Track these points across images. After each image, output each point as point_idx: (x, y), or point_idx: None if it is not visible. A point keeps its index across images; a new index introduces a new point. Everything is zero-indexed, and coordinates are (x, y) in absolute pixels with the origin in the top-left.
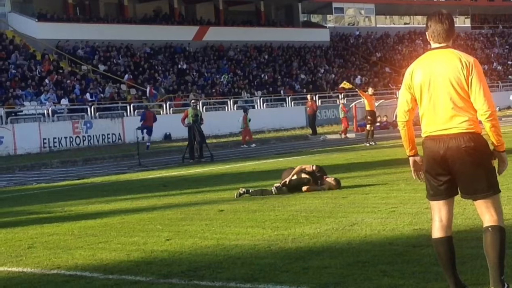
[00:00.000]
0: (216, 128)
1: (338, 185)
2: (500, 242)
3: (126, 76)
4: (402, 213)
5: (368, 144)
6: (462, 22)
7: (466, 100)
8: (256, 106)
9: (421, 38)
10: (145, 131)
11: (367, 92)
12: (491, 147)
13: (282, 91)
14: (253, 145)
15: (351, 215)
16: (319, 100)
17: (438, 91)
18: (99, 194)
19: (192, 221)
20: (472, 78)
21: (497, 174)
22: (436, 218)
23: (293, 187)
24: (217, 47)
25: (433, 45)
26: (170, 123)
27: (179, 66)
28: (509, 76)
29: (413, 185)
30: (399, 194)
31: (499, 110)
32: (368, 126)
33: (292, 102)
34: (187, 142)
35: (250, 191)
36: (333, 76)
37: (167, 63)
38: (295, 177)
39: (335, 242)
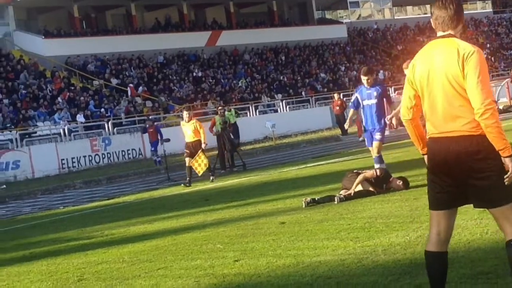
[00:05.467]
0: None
1: (406, 186)
2: None
3: (140, 88)
4: None
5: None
6: (484, 7)
7: (466, 98)
8: (278, 110)
9: None
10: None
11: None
12: None
13: (303, 93)
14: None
15: None
16: (344, 98)
17: (435, 88)
18: (137, 214)
19: (255, 237)
20: (467, 71)
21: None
22: (434, 231)
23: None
24: (232, 51)
25: (438, 33)
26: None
27: (194, 74)
28: None
29: None
30: None
31: None
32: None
33: (316, 103)
34: (216, 152)
35: (317, 199)
36: (355, 73)
37: (182, 72)
38: (359, 187)
39: None
